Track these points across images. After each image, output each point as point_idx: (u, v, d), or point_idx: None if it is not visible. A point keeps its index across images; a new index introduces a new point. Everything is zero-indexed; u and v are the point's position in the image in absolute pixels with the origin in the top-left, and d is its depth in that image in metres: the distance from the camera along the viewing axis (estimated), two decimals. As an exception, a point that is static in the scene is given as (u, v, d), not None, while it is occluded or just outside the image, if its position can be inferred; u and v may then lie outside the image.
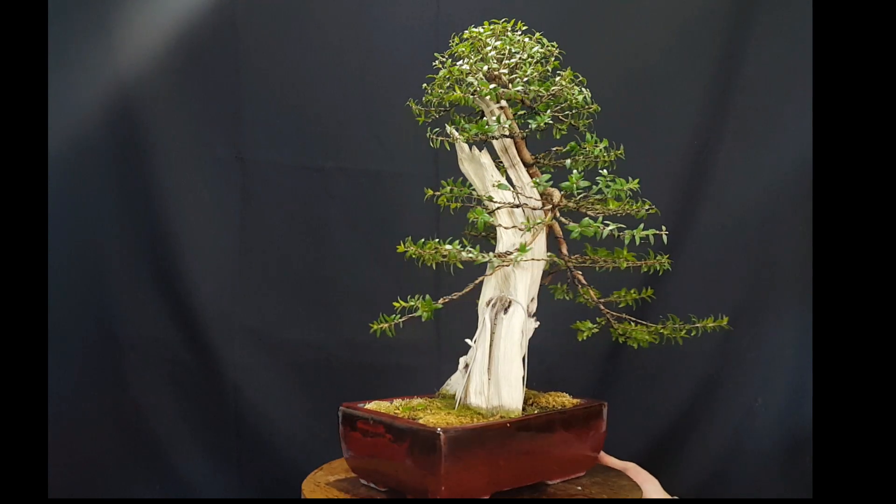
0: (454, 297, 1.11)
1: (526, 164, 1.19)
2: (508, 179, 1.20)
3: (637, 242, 1.07)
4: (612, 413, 1.91)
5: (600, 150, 1.15)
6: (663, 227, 1.05)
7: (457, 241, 1.07)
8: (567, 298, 1.25)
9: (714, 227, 1.76)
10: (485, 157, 1.19)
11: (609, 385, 1.80)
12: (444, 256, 1.06)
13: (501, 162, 1.21)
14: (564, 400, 1.20)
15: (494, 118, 1.17)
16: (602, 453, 1.25)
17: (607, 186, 1.10)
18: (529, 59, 1.17)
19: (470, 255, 1.05)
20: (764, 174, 1.75)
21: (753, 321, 1.75)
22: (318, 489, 1.14)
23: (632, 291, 1.19)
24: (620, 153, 1.19)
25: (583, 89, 1.19)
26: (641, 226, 1.08)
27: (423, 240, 1.07)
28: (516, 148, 1.19)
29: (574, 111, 1.21)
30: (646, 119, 1.78)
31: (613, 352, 1.79)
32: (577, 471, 1.18)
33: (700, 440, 1.77)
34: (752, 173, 1.75)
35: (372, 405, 1.20)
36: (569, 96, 1.17)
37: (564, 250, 1.18)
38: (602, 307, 1.16)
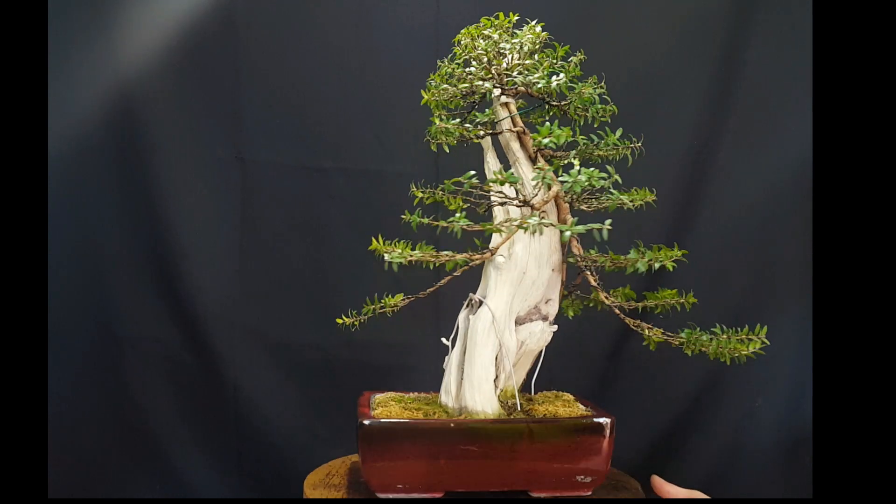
0: (421, 296, 1.15)
1: (531, 159, 1.18)
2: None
3: (566, 241, 1.07)
4: (613, 413, 1.91)
5: (549, 140, 1.08)
6: (606, 222, 1.03)
7: (390, 241, 1.09)
8: (588, 305, 1.22)
9: (714, 227, 1.76)
10: (490, 156, 1.20)
11: (609, 385, 1.80)
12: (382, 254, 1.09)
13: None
14: (562, 410, 1.12)
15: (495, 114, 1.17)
16: (659, 480, 1.17)
17: (544, 178, 1.07)
18: (494, 51, 1.17)
19: (395, 254, 1.06)
20: (764, 174, 1.75)
21: (753, 321, 1.75)
22: (319, 489, 1.14)
23: (688, 297, 1.14)
24: (587, 148, 1.16)
25: (556, 76, 1.15)
26: (575, 219, 1.06)
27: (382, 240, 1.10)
28: (520, 142, 1.19)
29: (568, 102, 1.19)
30: (646, 119, 1.78)
31: (613, 352, 1.79)
32: (572, 489, 1.08)
33: (700, 440, 1.77)
34: (752, 173, 1.75)
35: (381, 396, 1.22)
36: (534, 84, 1.14)
37: (575, 249, 1.14)
38: (617, 310, 1.11)
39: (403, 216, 1.11)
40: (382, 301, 1.14)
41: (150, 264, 1.76)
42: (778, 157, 1.73)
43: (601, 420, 1.06)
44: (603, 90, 1.19)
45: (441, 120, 1.15)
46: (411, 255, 1.07)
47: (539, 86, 1.14)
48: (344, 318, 1.15)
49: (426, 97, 1.19)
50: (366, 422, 1.02)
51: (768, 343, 1.03)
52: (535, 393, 1.22)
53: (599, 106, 1.20)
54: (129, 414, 1.76)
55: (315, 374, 1.82)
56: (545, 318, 1.16)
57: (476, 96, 1.21)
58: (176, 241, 1.75)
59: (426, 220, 1.10)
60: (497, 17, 1.20)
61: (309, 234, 1.81)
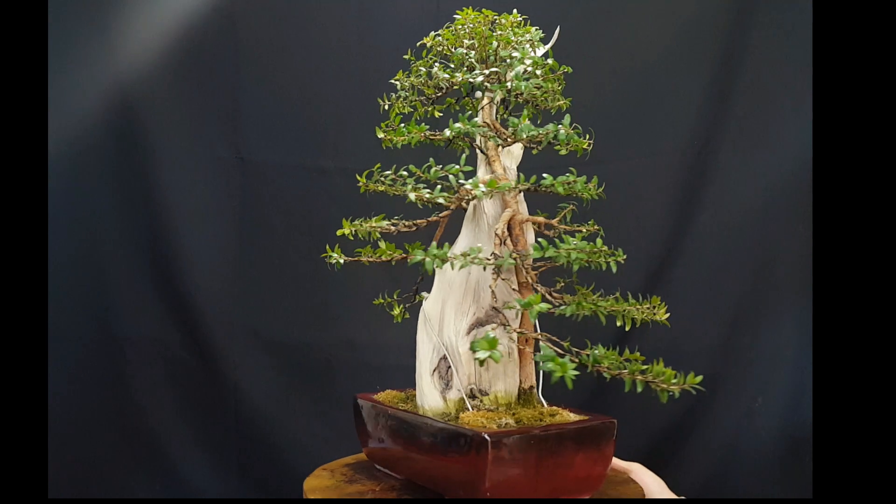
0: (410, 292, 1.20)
1: (489, 157, 1.17)
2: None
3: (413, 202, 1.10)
4: (612, 412, 1.89)
5: (453, 132, 1.09)
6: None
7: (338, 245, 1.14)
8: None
9: (714, 227, 1.76)
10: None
11: (609, 385, 1.80)
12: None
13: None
14: (477, 419, 1.03)
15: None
16: None
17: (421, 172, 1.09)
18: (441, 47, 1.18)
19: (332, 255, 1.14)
20: (764, 174, 1.75)
21: (753, 321, 1.75)
22: (319, 489, 1.14)
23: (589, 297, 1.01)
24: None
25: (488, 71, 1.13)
26: (511, 212, 1.05)
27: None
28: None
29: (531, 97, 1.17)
30: (646, 119, 1.78)
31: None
32: (458, 493, 0.99)
33: (700, 440, 1.77)
34: (752, 173, 1.75)
35: None
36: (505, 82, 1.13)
37: (496, 249, 1.04)
38: (515, 334, 1.03)
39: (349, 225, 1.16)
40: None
41: (150, 264, 1.76)
42: (778, 157, 1.73)
43: (471, 436, 0.96)
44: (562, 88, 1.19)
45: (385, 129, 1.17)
46: (338, 257, 1.13)
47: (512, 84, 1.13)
48: (396, 307, 1.23)
49: (382, 103, 1.21)
50: (354, 396, 1.21)
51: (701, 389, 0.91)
52: (547, 405, 1.16)
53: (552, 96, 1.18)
54: (128, 413, 1.76)
55: (315, 374, 1.82)
56: (504, 325, 1.12)
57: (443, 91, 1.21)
58: (176, 241, 1.75)
59: (353, 226, 1.16)
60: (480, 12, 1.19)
61: (309, 233, 1.81)
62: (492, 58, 1.16)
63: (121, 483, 1.76)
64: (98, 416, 1.74)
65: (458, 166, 1.10)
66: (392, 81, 1.25)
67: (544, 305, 0.92)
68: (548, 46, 1.25)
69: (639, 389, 0.91)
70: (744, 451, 1.75)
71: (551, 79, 1.16)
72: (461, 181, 1.10)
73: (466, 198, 1.12)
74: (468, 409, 1.08)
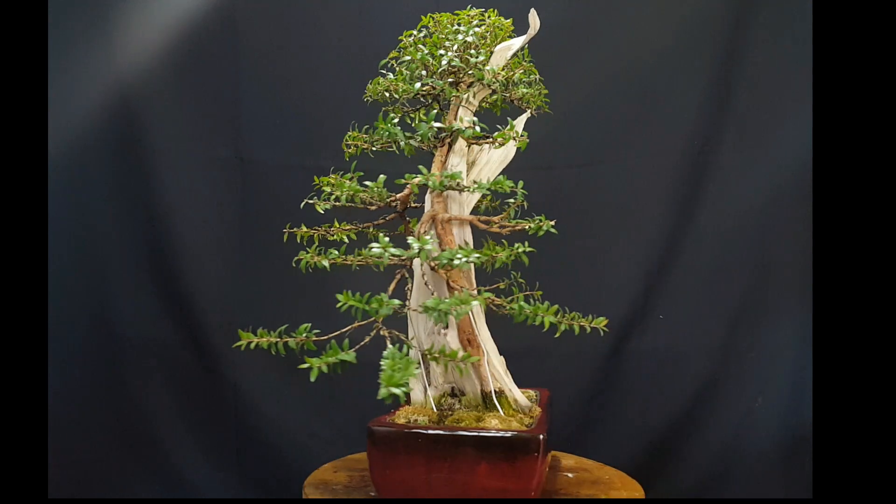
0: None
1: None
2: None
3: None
4: (613, 413, 1.89)
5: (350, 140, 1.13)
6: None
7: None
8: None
9: (714, 227, 1.77)
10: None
11: (609, 385, 1.80)
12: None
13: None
14: (403, 414, 1.08)
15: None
16: None
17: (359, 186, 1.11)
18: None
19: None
20: (764, 174, 1.75)
21: (753, 321, 1.75)
22: (319, 489, 1.14)
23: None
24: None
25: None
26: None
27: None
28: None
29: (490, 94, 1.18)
30: (646, 119, 1.78)
31: (614, 351, 1.79)
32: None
33: (700, 440, 1.77)
34: (753, 173, 1.75)
35: None
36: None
37: (442, 243, 1.08)
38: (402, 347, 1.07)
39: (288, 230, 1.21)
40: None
41: (150, 264, 1.76)
42: (778, 157, 1.74)
43: (368, 428, 1.02)
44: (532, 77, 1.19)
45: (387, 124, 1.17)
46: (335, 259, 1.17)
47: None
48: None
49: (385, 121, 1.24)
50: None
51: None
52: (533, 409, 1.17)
53: (526, 90, 1.19)
54: (128, 414, 1.76)
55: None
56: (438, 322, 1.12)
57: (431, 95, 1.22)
58: (176, 241, 1.75)
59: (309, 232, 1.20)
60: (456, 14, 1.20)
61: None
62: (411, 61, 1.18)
63: (121, 483, 1.76)
64: (98, 417, 1.74)
65: (348, 173, 1.13)
66: (365, 98, 1.29)
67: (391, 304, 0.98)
68: (526, 38, 1.24)
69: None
70: (744, 451, 1.75)
71: (492, 73, 1.16)
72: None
73: (387, 200, 1.14)
74: (433, 407, 1.10)
